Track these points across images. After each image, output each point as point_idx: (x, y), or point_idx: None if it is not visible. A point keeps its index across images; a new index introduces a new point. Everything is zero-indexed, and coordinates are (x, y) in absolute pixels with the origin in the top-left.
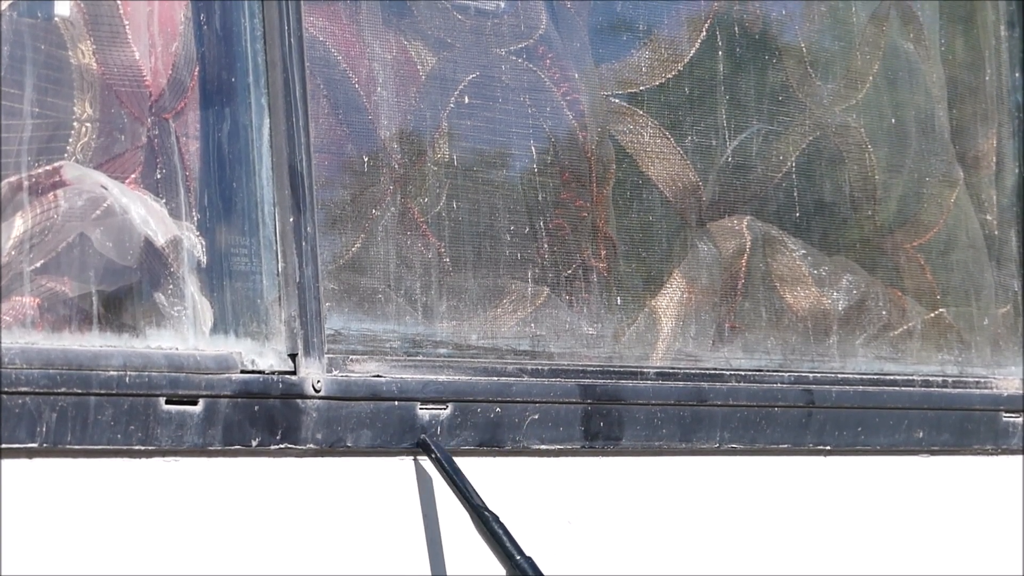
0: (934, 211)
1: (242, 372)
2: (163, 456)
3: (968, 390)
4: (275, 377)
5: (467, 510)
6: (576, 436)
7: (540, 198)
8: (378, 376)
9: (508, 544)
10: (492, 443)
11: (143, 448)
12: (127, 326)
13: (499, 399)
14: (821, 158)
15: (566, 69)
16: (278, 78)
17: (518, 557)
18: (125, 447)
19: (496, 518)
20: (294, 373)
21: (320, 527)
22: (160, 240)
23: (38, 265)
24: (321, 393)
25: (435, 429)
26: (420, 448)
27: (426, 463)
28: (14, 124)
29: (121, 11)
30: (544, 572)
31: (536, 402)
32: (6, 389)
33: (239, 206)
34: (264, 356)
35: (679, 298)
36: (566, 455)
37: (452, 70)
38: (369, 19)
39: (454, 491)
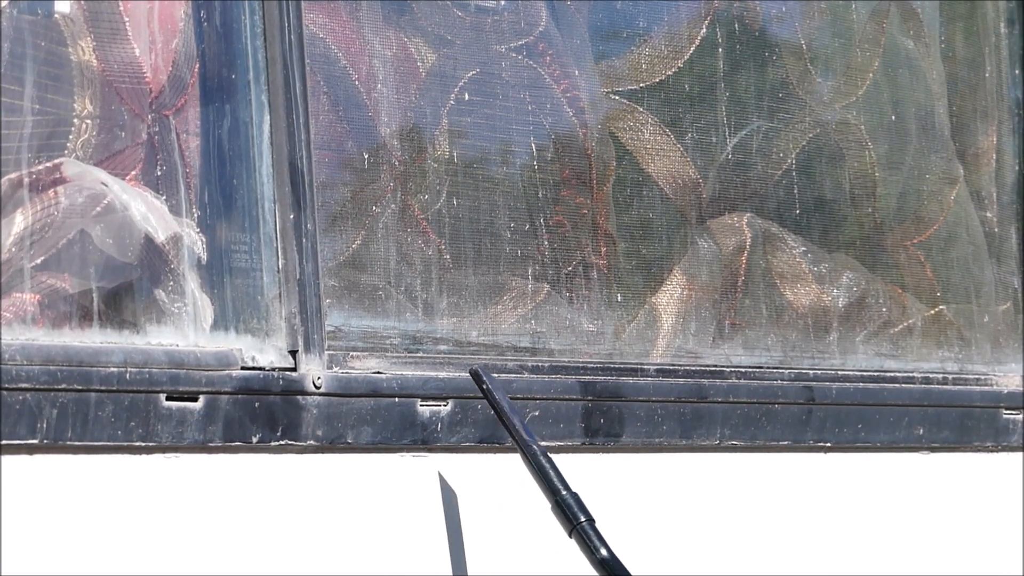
0: (934, 208)
1: (242, 369)
2: (163, 453)
3: (968, 387)
4: (275, 374)
5: (515, 442)
6: (576, 433)
7: (540, 195)
8: (378, 373)
9: (554, 479)
10: (492, 440)
11: (143, 444)
12: (127, 323)
13: None
14: (821, 155)
15: (566, 66)
16: (278, 75)
17: (563, 492)
18: (125, 443)
19: (544, 452)
20: (294, 370)
21: (320, 524)
22: (160, 237)
23: (38, 262)
24: (321, 390)
25: (435, 426)
26: (472, 376)
27: (426, 460)
28: (14, 121)
29: (121, 8)
30: (588, 509)
31: (536, 399)
32: (7, 385)
33: (239, 203)
34: (264, 353)
35: (679, 295)
36: (566, 452)
37: (452, 67)
38: (369, 16)
39: (502, 423)
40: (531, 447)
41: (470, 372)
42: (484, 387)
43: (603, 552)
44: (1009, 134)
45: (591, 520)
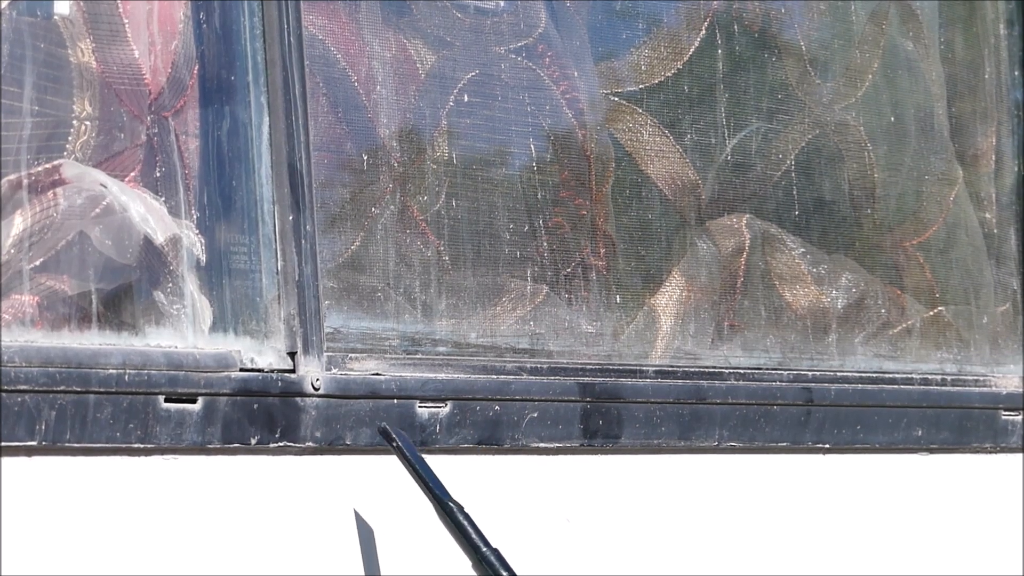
0: (933, 209)
1: (241, 370)
2: (162, 454)
3: (967, 388)
4: (274, 375)
5: (430, 501)
6: (575, 434)
7: (539, 196)
8: (377, 374)
9: (473, 535)
10: (491, 441)
11: (142, 446)
12: (126, 324)
13: (498, 397)
14: (820, 156)
15: (565, 67)
16: (277, 76)
17: (484, 549)
18: (124, 445)
19: (460, 508)
20: (293, 371)
21: (319, 525)
22: (159, 238)
23: (37, 263)
24: (320, 391)
25: (434, 427)
26: (382, 436)
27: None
28: (14, 122)
29: (120, 9)
30: (511, 565)
31: (535, 400)
32: (5, 387)
33: (238, 204)
34: (263, 354)
35: (678, 296)
36: (565, 453)
37: (451, 68)
38: (368, 17)
39: (416, 481)
40: (448, 505)
41: (379, 430)
42: (395, 445)
43: None
44: (1008, 135)
45: None
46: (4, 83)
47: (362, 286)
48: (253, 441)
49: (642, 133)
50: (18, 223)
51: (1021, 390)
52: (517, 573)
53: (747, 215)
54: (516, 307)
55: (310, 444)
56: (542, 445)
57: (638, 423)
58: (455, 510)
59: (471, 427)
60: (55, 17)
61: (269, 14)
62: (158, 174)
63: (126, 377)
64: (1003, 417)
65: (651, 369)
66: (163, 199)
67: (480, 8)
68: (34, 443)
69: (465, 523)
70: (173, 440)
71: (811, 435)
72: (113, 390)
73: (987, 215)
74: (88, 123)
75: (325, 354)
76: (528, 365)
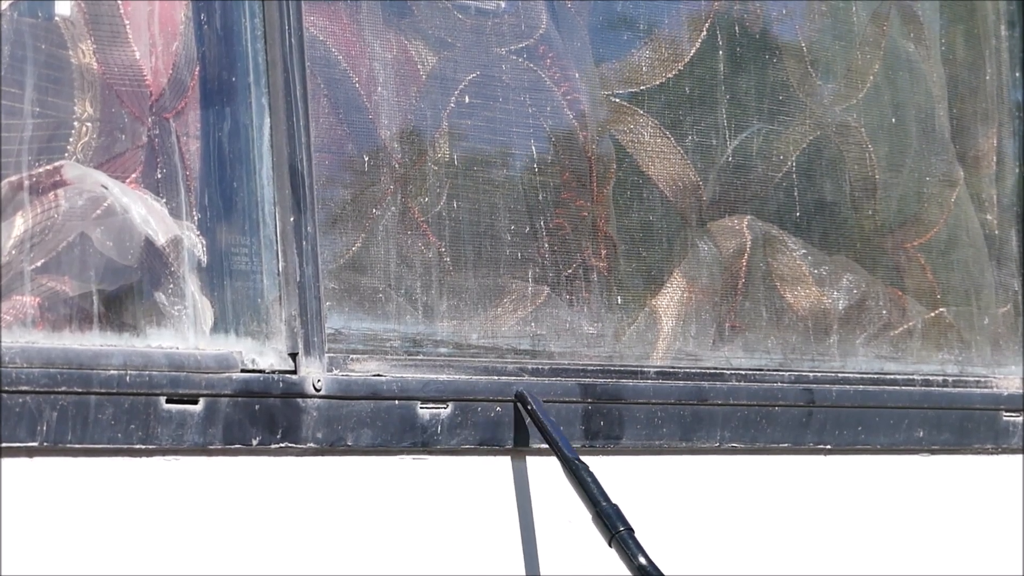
0: (934, 210)
1: (242, 371)
2: (163, 455)
3: (968, 389)
4: (275, 376)
5: (558, 459)
6: (576, 435)
7: (540, 197)
8: (378, 375)
9: (595, 491)
10: (492, 442)
11: (143, 447)
12: (128, 325)
13: (499, 398)
14: (821, 157)
15: (566, 68)
16: (278, 78)
17: (603, 503)
18: (126, 446)
19: (585, 467)
20: (294, 372)
21: (320, 526)
22: (161, 239)
23: (39, 264)
24: (321, 392)
25: (435, 428)
26: (517, 400)
27: (426, 462)
28: (15, 124)
29: (121, 11)
30: (628, 519)
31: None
32: (7, 388)
33: (239, 205)
34: (264, 355)
35: (679, 297)
36: None
37: (453, 69)
38: (369, 18)
39: (547, 441)
40: (574, 462)
41: (515, 395)
42: (528, 408)
43: (641, 559)
44: (1009, 137)
45: (630, 529)
46: (5, 84)
47: (363, 287)
48: (254, 442)
49: (643, 134)
50: (19, 224)
51: (1022, 391)
52: (632, 526)
53: (748, 216)
54: (517, 308)
55: (311, 445)
56: (544, 446)
57: (639, 424)
58: (580, 467)
59: (472, 428)
60: (56, 18)
61: (270, 15)
62: (159, 175)
63: (127, 378)
64: (1004, 418)
65: (652, 370)
66: (164, 200)
67: (481, 9)
68: (35, 444)
69: (588, 479)
70: (174, 441)
71: (812, 436)
72: (114, 391)
73: (988, 216)
74: (89, 124)
75: (326, 355)
76: (529, 366)
